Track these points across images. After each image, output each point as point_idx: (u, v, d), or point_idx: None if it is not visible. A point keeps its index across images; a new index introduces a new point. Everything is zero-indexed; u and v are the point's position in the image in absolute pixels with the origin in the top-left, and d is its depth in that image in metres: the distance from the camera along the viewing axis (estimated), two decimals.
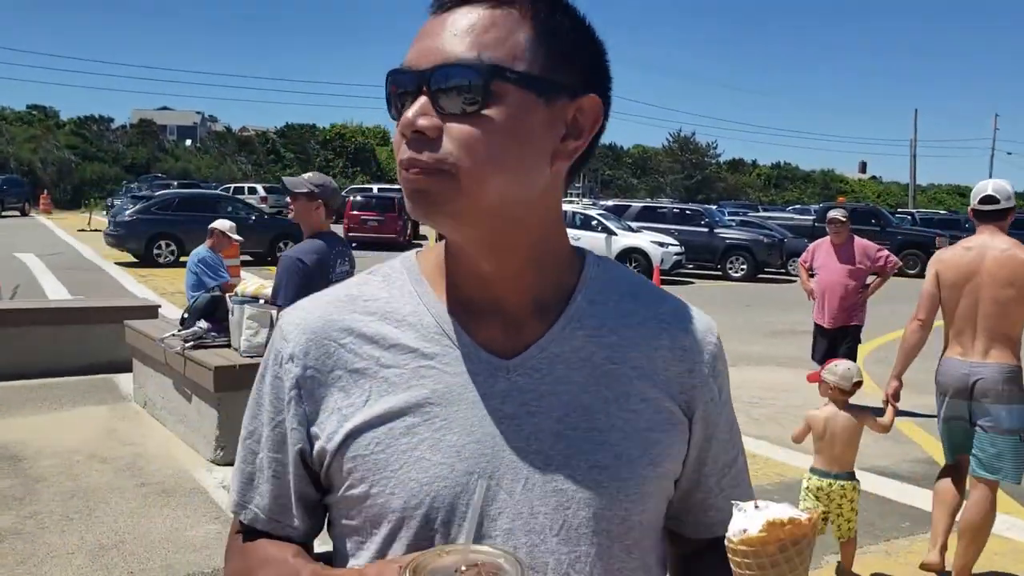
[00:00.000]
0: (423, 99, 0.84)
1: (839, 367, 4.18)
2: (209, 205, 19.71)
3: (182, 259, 16.05)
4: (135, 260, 18.41)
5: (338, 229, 21.60)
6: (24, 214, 36.66)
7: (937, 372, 4.20)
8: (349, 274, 4.42)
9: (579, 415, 0.92)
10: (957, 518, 4.15)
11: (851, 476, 4.14)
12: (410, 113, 0.84)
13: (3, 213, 35.15)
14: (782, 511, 0.79)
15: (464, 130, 0.83)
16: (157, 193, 22.95)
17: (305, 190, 4.34)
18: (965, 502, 4.16)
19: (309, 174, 4.56)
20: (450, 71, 0.83)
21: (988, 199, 4.13)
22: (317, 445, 0.94)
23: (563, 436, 0.91)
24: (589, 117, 0.91)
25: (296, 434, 0.95)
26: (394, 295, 0.97)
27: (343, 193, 33.03)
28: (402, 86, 0.87)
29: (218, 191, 29.97)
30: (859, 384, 4.19)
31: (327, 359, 0.94)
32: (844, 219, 7.31)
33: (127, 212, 19.66)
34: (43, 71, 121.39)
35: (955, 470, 4.26)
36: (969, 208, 4.25)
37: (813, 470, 4.19)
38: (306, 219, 4.37)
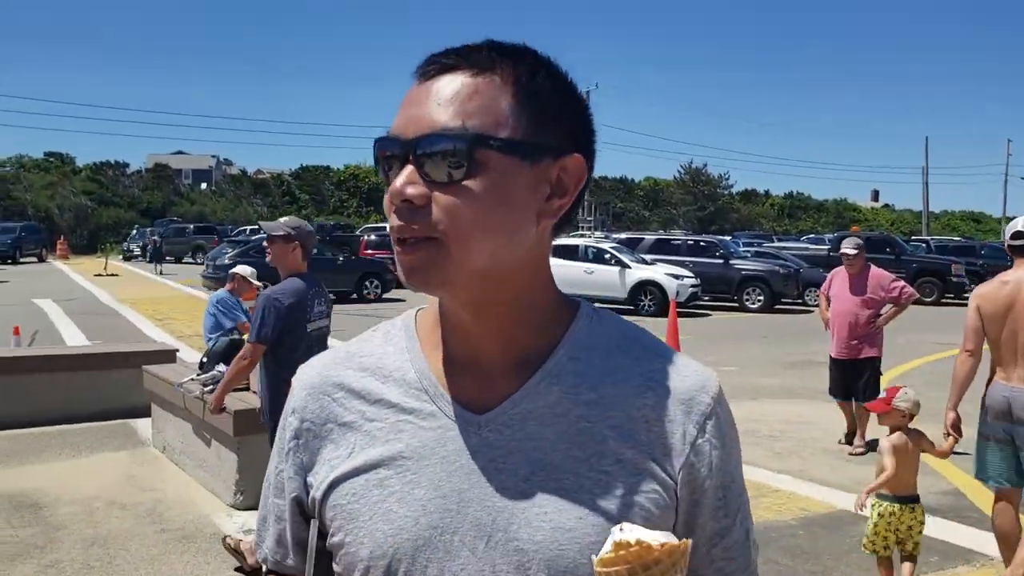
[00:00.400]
0: (409, 168, 0.86)
1: (908, 394, 4.35)
2: None
3: None
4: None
5: None
6: (42, 260, 37.04)
7: (984, 395, 4.44)
8: (325, 314, 4.55)
9: (546, 473, 0.90)
10: None
11: (918, 499, 4.30)
12: (398, 183, 0.86)
13: (21, 259, 35.49)
14: (637, 533, 0.81)
15: (451, 198, 0.85)
16: (254, 237, 23.51)
17: (282, 233, 4.48)
18: None
19: (285, 218, 4.69)
20: (435, 140, 0.85)
21: (1019, 234, 4.38)
22: (310, 494, 0.98)
23: (528, 494, 0.90)
24: (573, 176, 0.92)
25: (292, 483, 1.00)
26: (388, 351, 1.00)
27: (357, 233, 33.47)
28: (389, 151, 0.89)
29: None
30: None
31: (322, 412, 0.99)
32: (855, 251, 7.25)
33: (226, 255, 20.14)
34: (59, 118, 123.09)
35: (1008, 505, 4.38)
36: (1006, 244, 4.51)
37: (882, 496, 4.25)
38: (283, 261, 4.50)
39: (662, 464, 0.92)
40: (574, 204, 0.94)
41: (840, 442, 7.58)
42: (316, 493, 0.97)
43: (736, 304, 20.93)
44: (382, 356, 1.00)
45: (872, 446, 6.91)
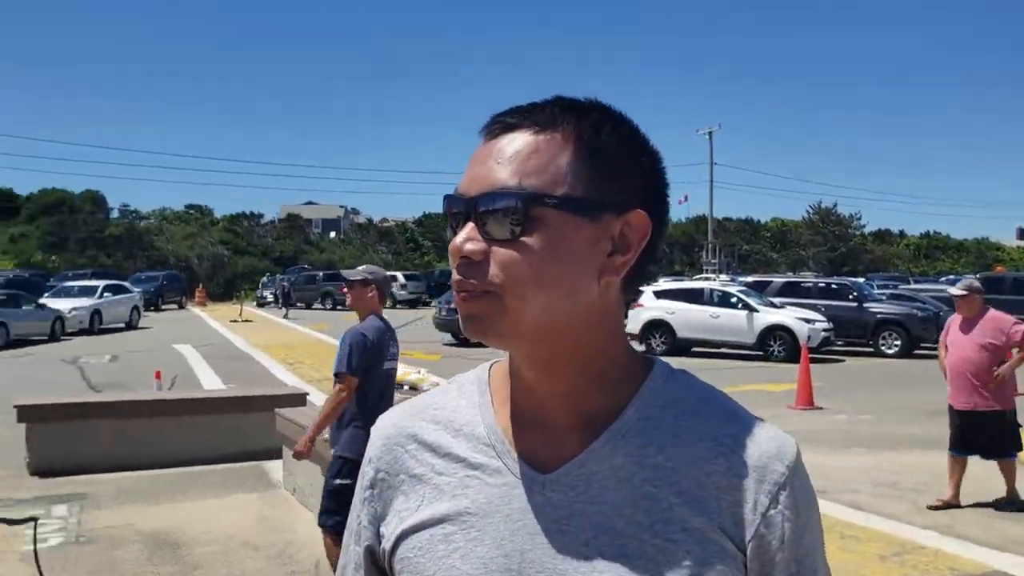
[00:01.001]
0: (470, 224, 0.89)
1: None
2: None
3: None
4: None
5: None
6: (181, 307, 39.04)
7: None
8: (397, 356, 4.88)
9: (609, 538, 0.89)
10: None
11: None
12: (458, 239, 0.89)
13: (163, 306, 37.49)
14: None
15: (507, 254, 0.87)
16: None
17: (359, 278, 4.83)
18: None
19: (364, 266, 5.14)
20: (493, 198, 0.87)
21: None
22: (381, 545, 1.00)
23: (589, 558, 0.88)
24: (637, 232, 0.91)
25: (366, 532, 1.02)
26: (460, 405, 1.01)
27: None
28: (455, 208, 0.91)
29: None
30: None
31: (395, 463, 1.00)
32: (964, 293, 6.73)
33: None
34: (199, 172, 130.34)
35: None
36: None
37: None
38: (361, 303, 4.81)
39: (731, 534, 0.89)
40: (643, 259, 0.93)
41: (934, 505, 6.84)
42: (386, 544, 0.98)
43: (871, 349, 20.04)
44: (455, 409, 1.00)
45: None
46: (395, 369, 4.84)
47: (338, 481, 4.42)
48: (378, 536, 1.01)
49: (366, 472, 1.04)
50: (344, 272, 5.15)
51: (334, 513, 4.40)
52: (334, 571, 4.77)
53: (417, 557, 0.94)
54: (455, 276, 0.90)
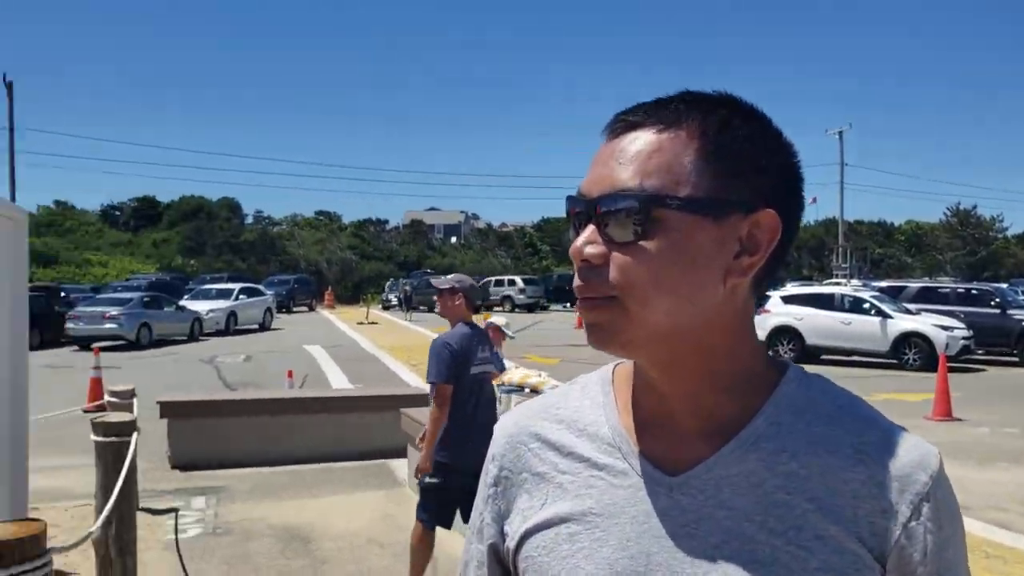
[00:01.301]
0: (591, 227, 0.87)
1: None
2: None
3: None
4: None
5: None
6: (311, 309, 40.38)
7: None
8: (489, 360, 4.97)
9: (739, 544, 0.86)
10: None
11: None
12: (578, 242, 0.87)
13: (294, 309, 38.87)
14: None
15: (627, 257, 0.85)
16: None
17: (447, 286, 4.98)
18: None
19: (452, 275, 5.25)
20: (613, 200, 0.86)
21: None
22: (505, 543, 0.99)
23: (718, 564, 0.86)
24: (767, 232, 0.88)
25: (489, 529, 1.02)
26: (584, 405, 1.00)
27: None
28: (577, 209, 0.90)
29: None
30: None
31: (518, 461, 1.00)
32: None
33: None
34: (328, 180, 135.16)
35: None
36: None
37: None
38: (450, 311, 4.95)
39: (869, 545, 0.85)
40: (772, 260, 0.90)
41: None
42: (510, 543, 0.98)
43: (1016, 358, 18.89)
44: (578, 409, 1.00)
45: None
46: (487, 372, 4.95)
47: (428, 480, 4.72)
48: (502, 534, 1.00)
49: (489, 470, 1.03)
50: (433, 280, 5.37)
51: (423, 509, 4.81)
52: (416, 559, 4.86)
53: (541, 556, 0.93)
54: (576, 281, 0.88)
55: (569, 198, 0.92)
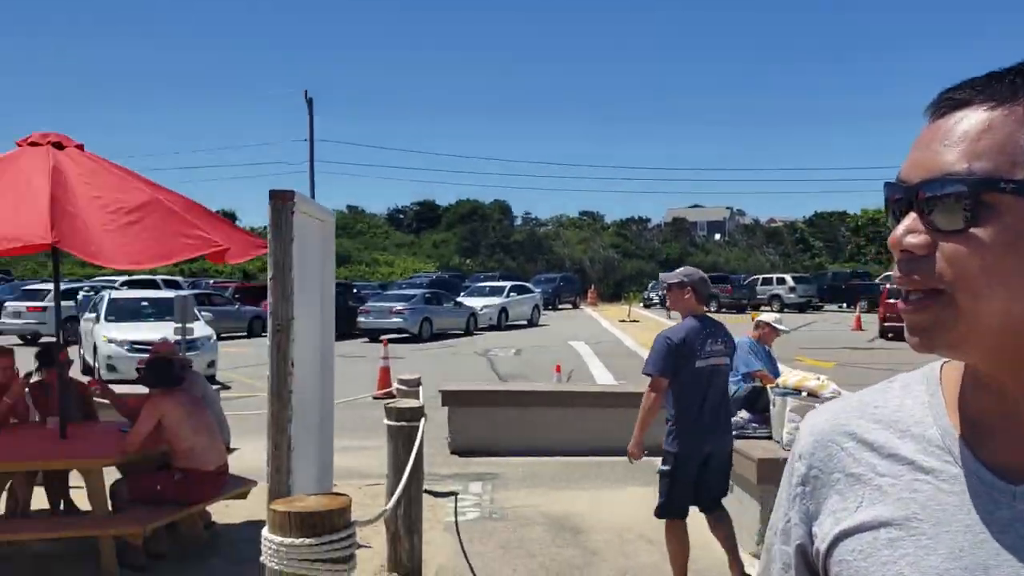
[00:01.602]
0: (912, 215, 0.82)
1: None
2: None
3: None
4: None
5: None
6: (575, 306, 41.27)
7: None
8: (723, 353, 4.94)
9: None
10: None
11: None
12: (898, 232, 0.82)
13: (559, 306, 39.89)
14: None
15: (955, 247, 0.79)
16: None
17: (676, 280, 5.00)
18: None
19: (681, 268, 5.24)
20: (936, 185, 0.79)
21: None
22: (815, 545, 0.94)
23: None
24: None
25: (797, 530, 0.97)
26: (906, 404, 0.93)
27: (876, 282, 31.75)
28: (897, 196, 0.85)
29: None
30: None
31: (829, 461, 0.95)
32: None
33: None
34: (591, 180, 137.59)
35: None
36: None
37: None
38: (679, 304, 5.01)
39: None
40: None
41: None
42: (821, 545, 0.93)
43: None
44: (898, 408, 0.93)
45: None
46: (716, 366, 4.88)
47: (661, 467, 4.91)
48: (810, 535, 0.96)
49: (796, 468, 0.98)
50: (662, 275, 5.37)
51: (659, 502, 4.97)
52: (671, 552, 4.81)
53: (858, 561, 0.88)
54: (895, 273, 0.83)
55: (887, 184, 0.87)
